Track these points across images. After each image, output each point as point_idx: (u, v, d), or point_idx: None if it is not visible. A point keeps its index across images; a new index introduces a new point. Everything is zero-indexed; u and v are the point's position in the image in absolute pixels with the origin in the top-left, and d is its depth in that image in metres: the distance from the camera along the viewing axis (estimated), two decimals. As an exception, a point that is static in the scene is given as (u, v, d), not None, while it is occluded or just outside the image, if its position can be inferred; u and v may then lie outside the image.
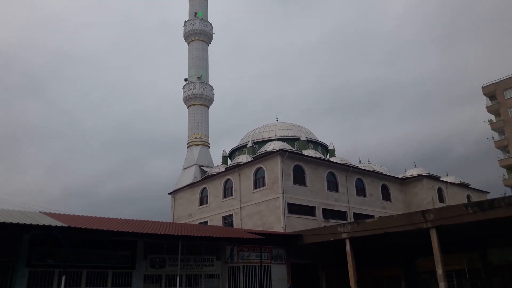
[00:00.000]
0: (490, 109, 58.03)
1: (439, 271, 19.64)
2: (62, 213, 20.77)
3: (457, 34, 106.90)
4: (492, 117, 58.08)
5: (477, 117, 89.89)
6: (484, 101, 58.98)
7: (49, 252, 17.98)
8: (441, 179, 42.05)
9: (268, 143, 36.31)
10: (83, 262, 18.73)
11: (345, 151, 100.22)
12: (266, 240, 24.18)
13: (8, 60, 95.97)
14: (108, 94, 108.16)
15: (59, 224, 16.45)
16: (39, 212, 19.81)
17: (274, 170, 30.60)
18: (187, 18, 48.72)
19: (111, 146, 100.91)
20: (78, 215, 20.89)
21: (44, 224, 15.91)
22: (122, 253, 20.18)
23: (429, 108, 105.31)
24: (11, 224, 15.25)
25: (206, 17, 48.96)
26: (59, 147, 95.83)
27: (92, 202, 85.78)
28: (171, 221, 39.59)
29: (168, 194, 41.90)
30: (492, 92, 57.51)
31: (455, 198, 40.04)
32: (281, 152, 30.83)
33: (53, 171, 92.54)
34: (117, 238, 19.52)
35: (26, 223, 15.54)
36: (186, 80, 45.99)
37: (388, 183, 38.51)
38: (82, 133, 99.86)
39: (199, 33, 47.27)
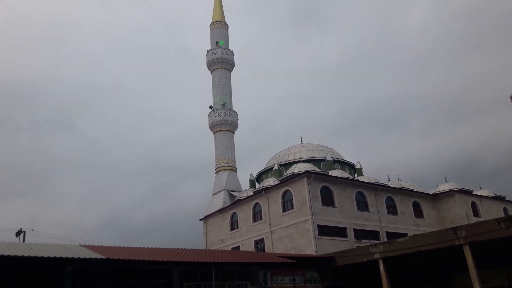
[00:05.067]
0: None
1: (477, 287, 19.30)
2: (98, 243, 21.64)
3: (479, 42, 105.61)
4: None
5: (506, 126, 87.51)
6: (514, 110, 57.75)
7: (90, 283, 18.71)
8: (474, 192, 41.20)
9: (294, 165, 36.67)
10: (123, 292, 19.37)
11: (372, 169, 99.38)
12: (298, 264, 24.28)
13: (37, 95, 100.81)
14: (135, 122, 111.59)
15: (98, 256, 17.19)
16: (79, 245, 20.69)
17: (302, 192, 30.83)
18: (209, 47, 50.35)
19: (140, 174, 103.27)
20: (115, 246, 21.67)
21: (84, 257, 16.68)
22: (159, 281, 20.72)
23: (455, 120, 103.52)
24: (54, 258, 16.08)
25: (227, 45, 50.44)
26: (90, 177, 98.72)
27: (124, 230, 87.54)
28: (204, 247, 40.13)
29: (200, 220, 42.56)
30: (521, 100, 56.16)
31: (490, 212, 39.08)
32: (307, 174, 31.10)
33: (86, 201, 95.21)
34: (153, 267, 20.14)
35: (68, 256, 16.33)
36: (211, 107, 47.21)
37: (419, 200, 38.01)
38: (111, 162, 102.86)
39: (221, 62, 48.68)
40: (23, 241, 36.79)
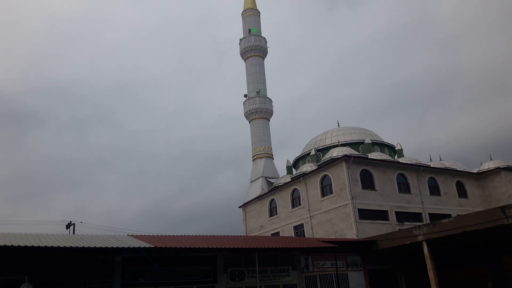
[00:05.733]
0: None
1: (528, 269, 18.70)
2: (141, 233, 22.54)
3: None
4: None
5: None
6: None
7: (139, 271, 19.57)
8: (522, 169, 39.52)
9: (332, 150, 36.41)
10: (170, 279, 20.12)
11: (413, 149, 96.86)
12: (339, 248, 24.33)
13: (78, 91, 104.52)
14: (172, 114, 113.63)
15: (147, 245, 17.92)
16: (127, 235, 21.60)
17: (341, 177, 30.65)
18: (240, 35, 50.42)
19: (178, 164, 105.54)
20: (161, 235, 22.48)
21: (134, 247, 17.43)
22: (204, 268, 21.39)
23: (498, 94, 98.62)
24: (106, 248, 16.90)
25: (260, 32, 50.28)
26: (131, 168, 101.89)
27: (166, 220, 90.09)
28: (244, 233, 40.79)
29: (239, 207, 43.21)
30: None
31: (540, 189, 37.41)
32: (346, 158, 30.84)
33: (128, 192, 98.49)
34: (198, 254, 20.80)
35: (119, 246, 17.12)
36: (245, 96, 47.43)
37: (463, 179, 36.94)
38: (151, 153, 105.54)
39: (254, 49, 48.65)
40: (73, 233, 38.70)
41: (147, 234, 22.69)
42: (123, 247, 17.16)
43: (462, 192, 36.34)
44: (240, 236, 26.84)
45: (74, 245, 16.29)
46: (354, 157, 31.47)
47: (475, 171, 39.20)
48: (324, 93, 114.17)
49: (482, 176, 37.93)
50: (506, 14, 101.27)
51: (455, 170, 37.34)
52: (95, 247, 16.48)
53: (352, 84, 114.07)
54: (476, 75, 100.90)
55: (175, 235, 22.81)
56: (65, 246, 15.79)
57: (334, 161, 31.94)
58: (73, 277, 18.20)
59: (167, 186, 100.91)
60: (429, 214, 32.63)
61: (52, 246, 15.53)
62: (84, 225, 44.23)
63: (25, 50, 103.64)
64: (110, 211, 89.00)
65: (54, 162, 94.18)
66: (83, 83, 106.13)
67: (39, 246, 15.35)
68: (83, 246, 16.21)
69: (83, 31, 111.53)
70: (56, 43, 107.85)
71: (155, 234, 22.76)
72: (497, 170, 37.31)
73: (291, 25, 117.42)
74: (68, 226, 40.38)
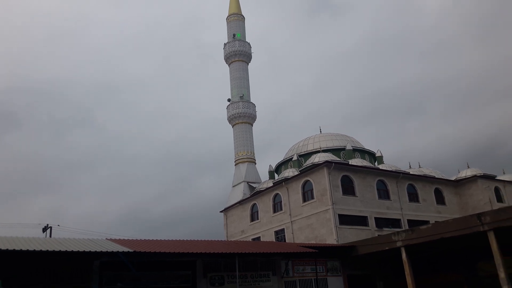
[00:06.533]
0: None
1: (501, 274, 19.14)
2: (120, 237, 22.22)
3: (500, 23, 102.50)
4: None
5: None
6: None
7: (117, 276, 19.30)
8: (497, 178, 40.49)
9: (314, 155, 36.64)
10: (149, 283, 19.90)
11: (393, 157, 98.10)
12: (319, 253, 24.46)
13: (57, 93, 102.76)
14: (154, 117, 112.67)
15: (125, 249, 17.69)
16: (106, 239, 21.29)
17: (322, 182, 30.87)
18: (225, 39, 50.45)
19: (159, 168, 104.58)
20: (140, 239, 22.21)
21: (112, 251, 17.19)
22: (183, 273, 21.22)
23: (474, 104, 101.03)
24: (83, 252, 16.62)
25: (244, 37, 50.40)
26: (111, 172, 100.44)
27: (146, 224, 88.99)
28: (225, 238, 40.64)
29: (220, 212, 43.05)
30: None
31: (514, 197, 38.38)
32: (327, 163, 31.09)
33: (108, 196, 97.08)
34: (178, 259, 20.60)
35: (97, 250, 16.86)
36: (229, 100, 47.42)
37: (441, 187, 37.61)
38: (131, 157, 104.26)
39: (238, 54, 48.73)
40: (50, 236, 37.93)
41: (126, 238, 22.38)
42: (101, 251, 16.92)
43: (440, 199, 36.99)
44: (220, 240, 26.74)
45: (50, 248, 15.98)
46: (335, 163, 31.75)
47: (453, 178, 39.96)
48: (307, 99, 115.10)
49: (459, 183, 38.69)
50: (485, 27, 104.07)
51: (434, 178, 38.01)
52: (72, 251, 16.19)
53: (335, 91, 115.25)
54: (455, 85, 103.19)
55: (155, 239, 22.58)
56: (41, 250, 15.48)
57: (315, 166, 32.16)
58: (49, 281, 17.83)
59: (148, 189, 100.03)
60: (408, 220, 33.10)
61: (27, 250, 15.20)
62: (61, 228, 43.54)
63: (3, 49, 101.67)
64: (89, 215, 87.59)
65: (33, 163, 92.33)
66: (64, 83, 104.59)
67: (14, 249, 15.00)
68: (60, 250, 15.91)
69: (65, 31, 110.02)
70: (37, 43, 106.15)
71: (135, 238, 22.47)
72: (474, 178, 38.12)
73: (275, 31, 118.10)
74: (44, 229, 39.55)
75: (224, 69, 50.39)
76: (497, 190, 38.48)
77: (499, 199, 37.94)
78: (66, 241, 18.84)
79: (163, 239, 23.05)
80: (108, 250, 17.08)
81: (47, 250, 15.61)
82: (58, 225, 40.70)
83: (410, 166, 41.18)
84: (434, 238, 21.63)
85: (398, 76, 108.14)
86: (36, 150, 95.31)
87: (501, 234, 19.58)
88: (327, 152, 37.58)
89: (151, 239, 22.66)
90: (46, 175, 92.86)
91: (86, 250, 16.55)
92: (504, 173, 42.65)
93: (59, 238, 20.48)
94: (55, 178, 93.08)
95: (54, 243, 17.71)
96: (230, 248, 21.90)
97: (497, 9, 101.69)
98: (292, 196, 33.56)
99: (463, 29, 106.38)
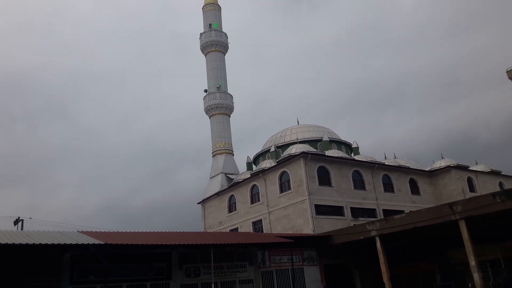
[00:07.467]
0: (516, 93, 56.56)
1: (472, 262, 19.56)
2: (97, 229, 21.73)
3: (474, 17, 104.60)
4: (519, 100, 56.65)
5: (501, 102, 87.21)
6: (509, 85, 57.51)
7: (89, 269, 18.89)
8: (470, 168, 41.42)
9: (291, 147, 36.68)
10: (122, 276, 19.56)
11: (369, 148, 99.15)
12: (296, 243, 24.52)
13: (30, 84, 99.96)
14: (130, 108, 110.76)
15: (97, 242, 17.28)
16: (77, 231, 20.79)
17: (298, 173, 30.91)
18: (201, 30, 49.74)
19: (137, 160, 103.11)
20: (113, 231, 21.77)
21: (82, 243, 16.77)
22: (158, 265, 20.94)
23: (450, 96, 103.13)
24: (52, 245, 16.16)
25: (221, 27, 49.79)
26: (87, 164, 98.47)
27: (124, 216, 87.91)
28: (203, 230, 40.41)
29: (198, 203, 42.75)
30: (517, 75, 56.01)
31: (486, 186, 39.31)
32: (303, 154, 31.13)
33: (84, 188, 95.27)
34: (152, 251, 20.30)
35: (66, 243, 16.40)
36: (206, 91, 46.88)
37: (416, 177, 38.19)
38: (108, 149, 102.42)
39: (215, 44, 48.14)
40: (21, 229, 36.94)
41: (105, 230, 21.86)
42: (71, 243, 16.48)
43: (415, 189, 37.57)
44: (196, 232, 26.50)
45: (18, 241, 15.46)
46: (311, 154, 31.82)
47: (427, 169, 40.65)
48: (285, 91, 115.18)
49: (434, 174, 39.39)
50: (459, 19, 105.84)
51: (409, 168, 38.58)
52: (40, 243, 15.73)
53: (312, 83, 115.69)
54: (430, 77, 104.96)
55: (129, 231, 22.18)
56: (6, 243, 14.95)
57: (292, 157, 32.16)
58: (18, 276, 17.32)
59: (126, 182, 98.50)
60: (383, 210, 33.53)
61: (-8, 243, 14.67)
62: (34, 221, 42.37)
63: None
64: (65, 208, 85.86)
65: (5, 156, 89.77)
66: (36, 76, 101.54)
67: (-23, 243, 14.46)
68: (27, 243, 15.41)
69: (36, 23, 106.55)
70: (7, 35, 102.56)
71: (112, 231, 21.98)
72: (447, 169, 38.86)
73: (253, 23, 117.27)
74: (16, 222, 38.50)
75: (201, 60, 49.66)
76: (469, 180, 39.33)
77: (472, 189, 38.79)
78: (35, 234, 18.30)
79: (141, 231, 22.68)
80: (78, 243, 16.65)
81: (13, 243, 15.09)
82: (30, 218, 39.73)
83: (385, 157, 41.67)
84: (408, 227, 21.93)
85: (375, 68, 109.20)
86: (9, 143, 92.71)
87: (472, 223, 19.97)
88: (304, 143, 37.67)
89: (126, 231, 22.26)
90: (21, 169, 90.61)
91: (55, 243, 16.10)
92: (476, 164, 43.64)
93: (29, 231, 19.91)
94: (30, 172, 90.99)
95: (23, 236, 17.16)
96: (205, 239, 21.71)
97: (469, 3, 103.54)
98: (270, 187, 33.52)
99: (437, 19, 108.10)
